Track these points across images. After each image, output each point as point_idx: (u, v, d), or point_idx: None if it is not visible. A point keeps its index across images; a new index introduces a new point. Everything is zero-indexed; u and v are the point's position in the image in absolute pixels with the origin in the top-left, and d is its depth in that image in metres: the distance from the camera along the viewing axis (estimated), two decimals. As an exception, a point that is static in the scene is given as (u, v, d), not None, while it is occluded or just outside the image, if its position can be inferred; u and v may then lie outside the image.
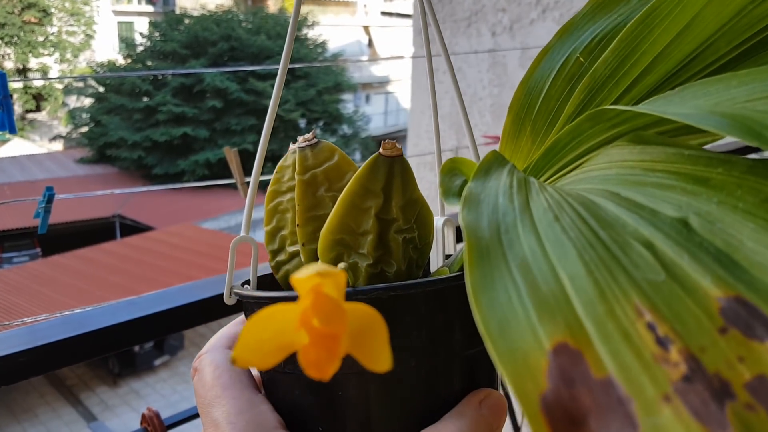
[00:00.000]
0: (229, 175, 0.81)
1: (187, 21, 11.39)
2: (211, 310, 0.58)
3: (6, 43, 13.97)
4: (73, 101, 13.13)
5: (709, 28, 0.23)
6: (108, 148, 10.61)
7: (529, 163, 0.26)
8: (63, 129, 13.76)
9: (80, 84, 11.59)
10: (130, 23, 16.20)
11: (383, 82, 15.40)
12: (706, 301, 0.14)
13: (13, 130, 0.59)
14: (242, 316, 0.34)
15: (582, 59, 0.28)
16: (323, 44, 12.21)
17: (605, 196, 0.18)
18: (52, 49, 14.68)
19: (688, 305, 0.14)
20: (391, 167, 0.28)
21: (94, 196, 7.98)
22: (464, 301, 0.17)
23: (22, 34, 14.15)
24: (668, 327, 0.14)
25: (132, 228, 7.99)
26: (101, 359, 5.56)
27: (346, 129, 11.77)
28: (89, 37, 15.33)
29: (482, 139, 1.22)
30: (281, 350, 0.18)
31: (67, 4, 14.91)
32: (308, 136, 0.32)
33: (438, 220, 0.36)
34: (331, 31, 14.48)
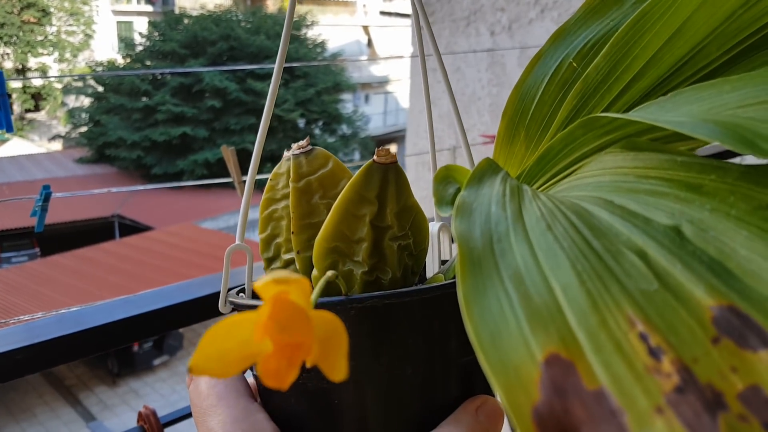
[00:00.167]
0: (228, 175, 0.81)
1: (186, 21, 11.37)
2: (207, 309, 0.58)
3: (5, 43, 13.95)
4: (72, 101, 13.12)
5: (700, 32, 0.23)
6: (107, 148, 10.60)
7: (523, 170, 0.26)
8: (62, 129, 13.75)
9: (79, 84, 11.58)
10: (130, 23, 16.19)
11: (382, 82, 15.40)
12: (699, 310, 0.14)
13: (10, 129, 0.59)
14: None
15: (575, 64, 0.28)
16: (322, 44, 12.21)
17: (598, 203, 0.18)
18: (51, 48, 14.67)
19: (681, 315, 0.14)
20: (385, 174, 0.28)
21: (93, 197, 7.97)
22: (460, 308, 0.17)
23: (21, 33, 14.14)
24: (661, 337, 0.14)
25: (131, 228, 7.99)
26: (100, 359, 5.56)
27: (345, 129, 11.76)
28: (88, 36, 15.31)
29: (480, 138, 1.22)
30: (244, 360, 0.18)
31: (66, 4, 14.90)
32: (302, 143, 0.32)
33: (434, 226, 0.36)
34: (331, 30, 14.48)
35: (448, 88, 0.34)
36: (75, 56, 15.04)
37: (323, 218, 0.30)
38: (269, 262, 0.33)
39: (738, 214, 0.16)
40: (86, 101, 11.75)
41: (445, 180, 0.23)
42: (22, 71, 14.14)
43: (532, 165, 0.25)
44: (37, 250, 7.94)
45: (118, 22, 16.23)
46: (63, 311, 0.53)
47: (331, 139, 11.20)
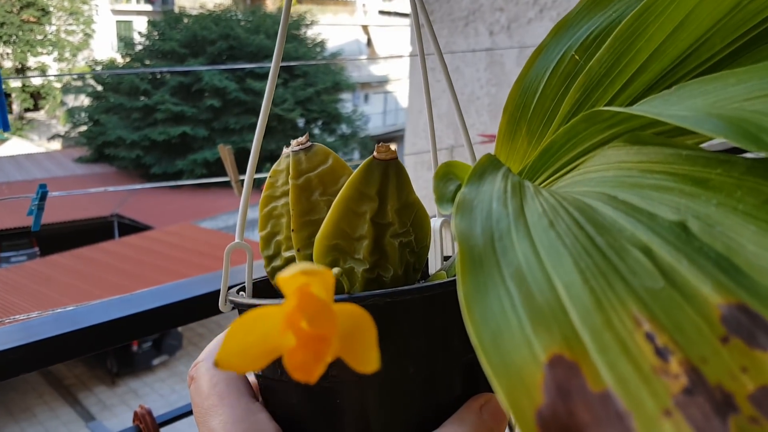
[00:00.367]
0: (226, 174, 0.81)
1: (185, 20, 11.37)
2: (204, 308, 0.58)
3: (4, 42, 13.95)
4: (71, 100, 13.12)
5: (704, 24, 0.22)
6: (106, 148, 10.60)
7: (525, 165, 0.26)
8: (61, 128, 13.74)
9: (79, 83, 11.58)
10: (129, 22, 16.19)
11: (382, 82, 15.40)
12: (707, 308, 0.14)
13: (6, 128, 0.58)
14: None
15: (577, 57, 0.28)
16: (322, 43, 12.21)
17: (602, 199, 0.18)
18: (50, 48, 14.67)
19: (688, 313, 0.14)
20: (385, 170, 0.28)
21: (92, 197, 7.97)
22: None
23: (20, 33, 14.13)
24: (668, 337, 0.13)
25: (130, 227, 7.98)
26: (99, 359, 5.56)
27: (344, 128, 11.76)
28: (88, 36, 15.32)
29: (479, 138, 1.21)
30: (268, 354, 0.18)
31: (65, 3, 14.90)
32: (302, 139, 0.32)
33: (435, 221, 0.36)
34: (330, 30, 14.48)
35: (449, 84, 0.34)
36: (74, 55, 15.04)
37: (323, 215, 0.29)
38: (269, 260, 0.33)
39: (745, 209, 0.15)
40: (85, 101, 11.75)
41: (446, 177, 0.23)
42: (21, 70, 14.13)
43: (534, 160, 0.25)
44: (37, 249, 7.94)
45: (117, 22, 16.23)
46: (59, 310, 0.53)
47: (330, 139, 11.19)
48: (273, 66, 0.32)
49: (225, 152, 0.72)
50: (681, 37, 0.23)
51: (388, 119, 15.21)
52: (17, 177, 9.94)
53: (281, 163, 0.32)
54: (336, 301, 0.26)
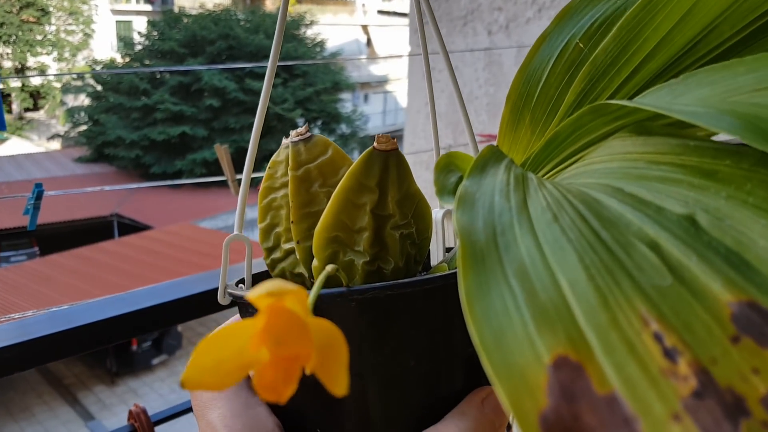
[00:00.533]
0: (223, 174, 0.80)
1: (185, 20, 11.36)
2: (199, 306, 0.58)
3: (4, 42, 13.94)
4: (71, 100, 13.11)
5: (712, 11, 0.22)
6: (106, 147, 10.59)
7: (529, 156, 0.25)
8: (61, 128, 13.74)
9: (78, 83, 11.57)
10: (129, 22, 16.18)
11: (382, 82, 15.40)
12: (717, 307, 0.13)
13: (2, 127, 0.58)
14: (237, 316, 0.33)
15: (582, 45, 0.27)
16: (321, 43, 12.20)
17: (607, 192, 0.17)
18: (50, 48, 14.66)
19: (697, 312, 0.13)
20: (386, 161, 0.27)
21: (92, 197, 7.96)
22: None
23: (20, 33, 14.13)
24: (676, 337, 0.13)
25: (130, 227, 7.98)
26: (99, 358, 5.56)
27: (344, 128, 11.76)
28: (88, 36, 15.31)
29: (477, 137, 1.21)
30: (240, 370, 0.17)
31: (65, 3, 14.90)
32: (301, 130, 0.31)
33: (437, 213, 0.36)
34: (330, 30, 14.48)
35: (453, 80, 0.33)
36: (74, 55, 15.04)
37: (323, 207, 0.29)
38: (269, 252, 0.32)
39: (756, 202, 0.15)
40: (85, 100, 11.74)
41: (447, 168, 0.22)
42: (21, 70, 14.12)
43: (538, 151, 0.24)
44: (36, 249, 7.93)
45: (117, 22, 16.23)
46: (54, 309, 0.53)
47: (330, 139, 11.16)
48: (270, 64, 0.32)
49: (221, 151, 0.72)
50: (689, 24, 0.22)
51: (388, 119, 15.21)
52: (17, 177, 9.93)
53: (280, 154, 0.32)
54: (336, 294, 0.25)
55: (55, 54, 14.78)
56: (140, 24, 14.73)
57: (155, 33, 11.40)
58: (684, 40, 0.23)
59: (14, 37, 14.05)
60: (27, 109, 14.83)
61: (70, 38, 15.03)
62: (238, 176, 0.65)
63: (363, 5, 17.57)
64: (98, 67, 12.14)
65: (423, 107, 1.43)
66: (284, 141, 0.31)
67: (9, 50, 14.14)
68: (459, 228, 0.16)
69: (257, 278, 0.34)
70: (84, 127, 11.24)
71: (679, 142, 0.17)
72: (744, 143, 0.15)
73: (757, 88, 0.17)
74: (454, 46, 1.35)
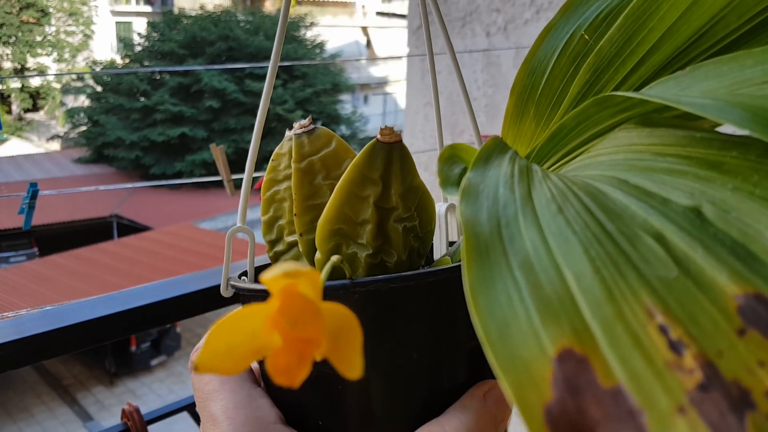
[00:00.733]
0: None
1: (185, 21, 11.37)
2: (192, 306, 0.58)
3: (4, 43, 13.94)
4: (71, 101, 13.11)
5: (718, 1, 0.22)
6: (106, 148, 10.58)
7: (533, 148, 0.25)
8: (61, 129, 13.74)
9: (78, 84, 11.57)
10: (129, 23, 16.19)
11: (381, 83, 15.41)
12: (723, 299, 0.13)
13: (-1, 127, 0.58)
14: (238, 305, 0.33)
15: (587, 37, 0.27)
16: (321, 44, 12.20)
17: (613, 183, 0.17)
18: (50, 48, 14.66)
19: (703, 305, 0.13)
20: (389, 154, 0.27)
21: (92, 198, 7.95)
22: None
23: (20, 33, 14.13)
24: (682, 330, 0.13)
25: (129, 228, 7.97)
26: (97, 359, 5.55)
27: (344, 130, 11.76)
28: (87, 37, 15.32)
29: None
30: (253, 354, 0.17)
31: (65, 4, 14.90)
32: (304, 122, 0.31)
33: (440, 206, 0.36)
34: (330, 31, 14.48)
35: (458, 75, 0.33)
36: (74, 56, 15.04)
37: (326, 199, 0.29)
38: (272, 244, 0.32)
39: (762, 194, 0.15)
40: (85, 101, 11.74)
41: (451, 159, 0.22)
42: (20, 71, 14.11)
43: (542, 143, 0.24)
44: (36, 249, 7.92)
45: (117, 23, 16.24)
46: (47, 308, 0.53)
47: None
48: (271, 64, 0.32)
49: (217, 152, 0.71)
50: (695, 15, 0.22)
51: (388, 120, 15.22)
52: (16, 177, 9.93)
53: (284, 146, 0.32)
54: (338, 286, 0.25)
55: (54, 55, 14.78)
56: (140, 25, 14.74)
57: (155, 34, 11.39)
58: (690, 31, 0.23)
59: (14, 38, 14.05)
60: (26, 110, 14.83)
61: (69, 39, 15.03)
62: (234, 176, 0.65)
63: (363, 7, 17.58)
64: (98, 68, 12.13)
65: (421, 108, 1.43)
66: (287, 133, 0.31)
67: (9, 51, 14.14)
68: (463, 220, 0.16)
69: (259, 272, 0.34)
70: (84, 128, 11.23)
71: (685, 134, 0.17)
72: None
73: (765, 80, 0.16)
74: (453, 48, 1.35)
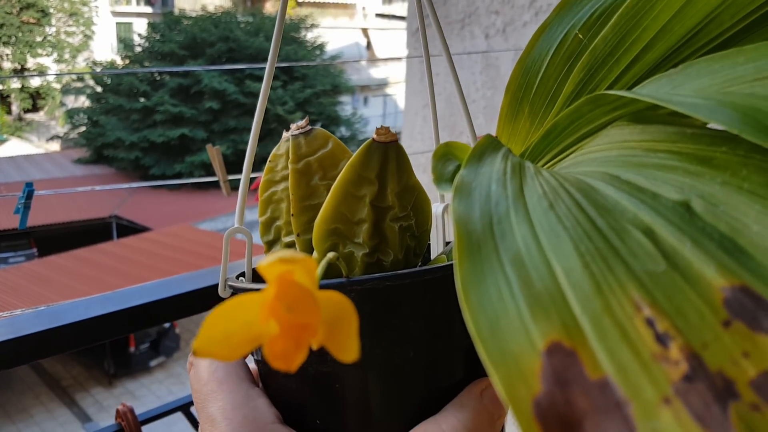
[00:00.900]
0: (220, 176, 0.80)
1: (185, 22, 11.37)
2: (187, 305, 0.58)
3: (4, 44, 13.94)
4: (71, 101, 13.11)
5: (712, 0, 0.22)
6: (105, 149, 10.58)
7: (528, 146, 0.25)
8: (60, 129, 13.73)
9: (78, 84, 11.57)
10: (129, 24, 16.19)
11: (381, 85, 15.41)
12: (709, 291, 0.13)
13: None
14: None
15: (581, 36, 0.27)
16: (321, 46, 12.21)
17: (604, 179, 0.17)
18: (50, 49, 14.65)
19: (690, 297, 0.14)
20: (385, 153, 0.28)
21: (91, 198, 7.95)
22: None
23: (20, 34, 14.13)
24: (668, 322, 0.13)
25: (129, 229, 7.96)
26: (97, 360, 5.55)
27: (343, 131, 11.76)
28: (88, 37, 15.31)
29: (474, 140, 1.21)
30: (250, 341, 0.17)
31: (65, 5, 14.90)
32: (301, 123, 0.31)
33: (437, 207, 0.36)
34: (330, 33, 14.49)
35: (454, 77, 0.34)
36: (74, 57, 15.03)
37: (323, 200, 0.29)
38: (269, 245, 0.33)
39: (751, 188, 0.15)
40: (85, 102, 11.73)
41: (445, 157, 0.22)
42: (20, 72, 14.11)
43: (536, 142, 0.24)
44: (35, 250, 7.91)
45: (117, 23, 16.24)
46: (42, 308, 0.53)
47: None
48: (269, 63, 0.32)
49: (213, 152, 0.72)
50: (689, 14, 0.22)
51: (388, 122, 15.20)
52: (16, 178, 9.92)
53: (281, 147, 0.32)
54: (334, 284, 0.26)
55: (55, 55, 14.77)
56: (140, 26, 14.73)
57: (155, 35, 11.39)
58: (683, 30, 0.23)
59: (14, 38, 14.05)
60: (26, 111, 14.83)
61: (70, 40, 15.03)
62: (231, 177, 0.65)
63: (363, 8, 17.59)
64: (98, 69, 12.13)
65: (420, 110, 1.43)
66: (284, 134, 0.32)
67: (8, 51, 14.14)
68: (456, 217, 0.16)
69: (257, 272, 0.34)
70: (83, 129, 11.23)
71: (676, 130, 0.18)
72: None
73: (757, 77, 0.17)
74: (452, 49, 1.35)
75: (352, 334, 0.18)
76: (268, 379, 0.30)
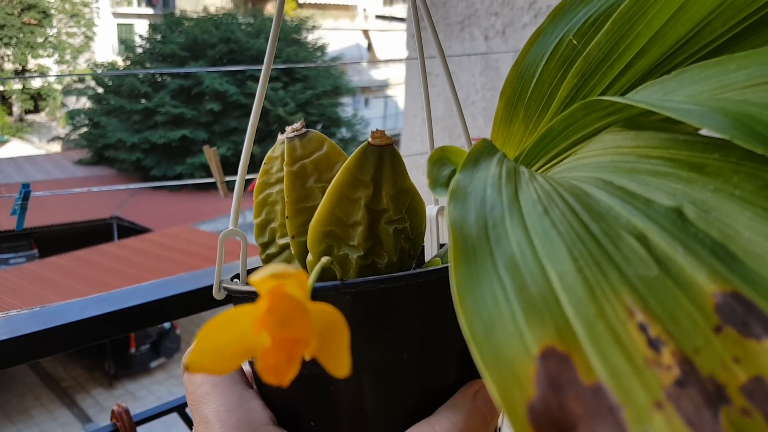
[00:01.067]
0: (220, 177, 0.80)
1: (186, 23, 11.38)
2: (185, 306, 0.58)
3: (5, 45, 13.96)
4: (72, 102, 13.12)
5: (705, 7, 0.22)
6: (106, 150, 10.59)
7: (522, 151, 0.25)
8: (61, 130, 13.75)
9: (79, 85, 11.58)
10: (130, 25, 16.21)
11: (382, 86, 15.42)
12: (701, 297, 0.14)
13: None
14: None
15: (575, 42, 0.27)
16: (322, 47, 12.22)
17: (598, 185, 0.17)
18: (51, 50, 14.67)
19: (682, 303, 0.14)
20: (380, 156, 0.28)
21: (92, 200, 7.95)
22: None
23: (21, 35, 14.14)
24: (661, 327, 0.13)
25: (129, 230, 7.96)
26: (97, 361, 5.55)
27: (344, 132, 11.76)
28: (89, 38, 15.33)
29: (473, 142, 1.21)
30: (243, 354, 0.18)
31: (66, 6, 14.91)
32: (296, 125, 0.31)
33: (432, 209, 0.36)
34: (331, 34, 14.50)
35: (449, 80, 0.34)
36: (75, 58, 15.05)
37: (318, 202, 0.29)
38: (264, 247, 0.33)
39: (742, 195, 0.15)
40: (86, 103, 11.74)
41: (440, 161, 0.22)
42: (21, 73, 14.13)
43: (531, 146, 0.25)
44: (35, 251, 7.91)
45: (118, 25, 16.25)
46: (37, 308, 0.53)
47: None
48: (266, 62, 0.32)
49: (210, 154, 0.72)
50: (681, 20, 0.23)
51: (389, 123, 15.22)
52: (16, 179, 9.93)
53: (276, 150, 0.32)
54: (329, 287, 0.26)
55: (56, 56, 14.79)
56: (142, 27, 14.75)
57: (156, 36, 11.40)
58: (676, 36, 0.23)
59: (15, 40, 14.07)
60: (27, 112, 14.84)
61: (71, 41, 15.05)
62: (228, 178, 0.65)
63: (364, 10, 17.61)
64: (99, 70, 12.14)
65: (420, 111, 1.43)
66: (280, 137, 0.32)
67: (10, 52, 14.15)
68: (451, 221, 0.16)
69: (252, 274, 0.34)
70: (84, 130, 11.23)
71: (669, 137, 0.18)
72: None
73: (749, 84, 0.17)
74: (451, 51, 1.36)
75: (343, 347, 0.18)
76: (262, 382, 0.31)
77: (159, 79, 10.41)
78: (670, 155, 0.17)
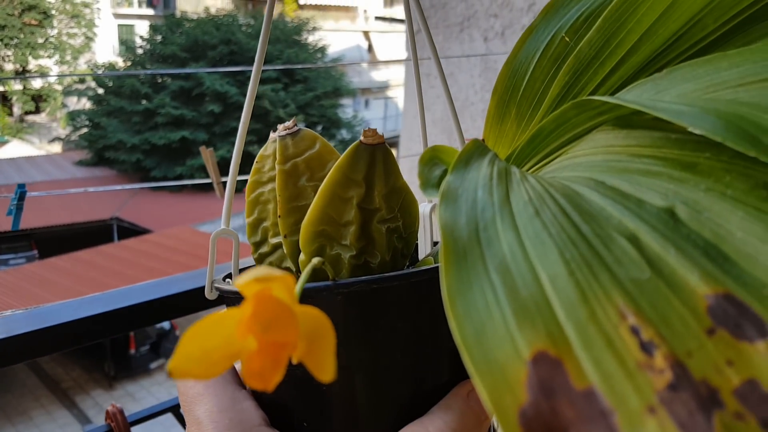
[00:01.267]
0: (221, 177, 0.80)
1: (187, 24, 11.38)
2: (180, 306, 0.58)
3: (5, 45, 13.96)
4: (72, 103, 13.13)
5: (696, 4, 0.22)
6: (107, 151, 10.59)
7: (515, 149, 0.25)
8: (62, 131, 13.75)
9: (80, 86, 11.58)
10: (131, 26, 16.21)
11: (383, 87, 15.43)
12: (694, 299, 0.13)
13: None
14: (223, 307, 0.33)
15: (567, 39, 0.27)
16: (323, 49, 12.22)
17: (590, 185, 0.17)
18: (52, 51, 14.68)
19: (674, 305, 0.13)
20: (372, 155, 0.28)
21: (92, 200, 7.95)
22: None
23: (22, 36, 14.15)
24: (653, 330, 0.13)
25: (130, 230, 7.96)
26: (96, 362, 5.54)
27: (344, 134, 11.76)
28: (89, 39, 15.33)
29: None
30: (227, 359, 0.17)
31: (67, 7, 14.92)
32: (288, 124, 0.31)
33: (425, 207, 0.36)
34: (331, 36, 14.51)
35: (443, 82, 0.34)
36: (76, 59, 15.05)
37: (310, 201, 0.29)
38: (256, 246, 0.32)
39: (734, 194, 0.15)
40: (86, 104, 11.75)
41: (432, 161, 0.22)
42: (22, 73, 14.13)
43: (523, 145, 0.24)
44: (35, 252, 7.91)
45: (119, 25, 16.26)
46: (32, 308, 0.53)
47: (330, 143, 11.17)
48: (255, 67, 0.32)
49: (207, 154, 0.72)
50: (672, 17, 0.22)
51: (389, 124, 15.22)
52: (17, 179, 9.92)
53: (268, 148, 0.32)
54: (321, 287, 0.25)
55: (56, 57, 14.79)
56: (142, 28, 14.76)
57: (157, 37, 11.41)
58: (668, 33, 0.23)
59: (16, 40, 14.08)
60: (28, 112, 14.84)
61: (71, 41, 15.05)
62: (224, 179, 0.65)
63: (364, 11, 17.61)
64: (100, 71, 12.15)
65: (419, 112, 1.43)
66: (272, 135, 0.32)
67: (10, 53, 14.16)
68: (442, 223, 0.16)
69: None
70: (85, 131, 11.23)
71: (661, 135, 0.18)
72: None
73: (741, 83, 0.17)
74: (451, 52, 1.35)
75: (329, 352, 0.18)
76: None
77: (159, 80, 10.41)
78: (661, 154, 0.17)
